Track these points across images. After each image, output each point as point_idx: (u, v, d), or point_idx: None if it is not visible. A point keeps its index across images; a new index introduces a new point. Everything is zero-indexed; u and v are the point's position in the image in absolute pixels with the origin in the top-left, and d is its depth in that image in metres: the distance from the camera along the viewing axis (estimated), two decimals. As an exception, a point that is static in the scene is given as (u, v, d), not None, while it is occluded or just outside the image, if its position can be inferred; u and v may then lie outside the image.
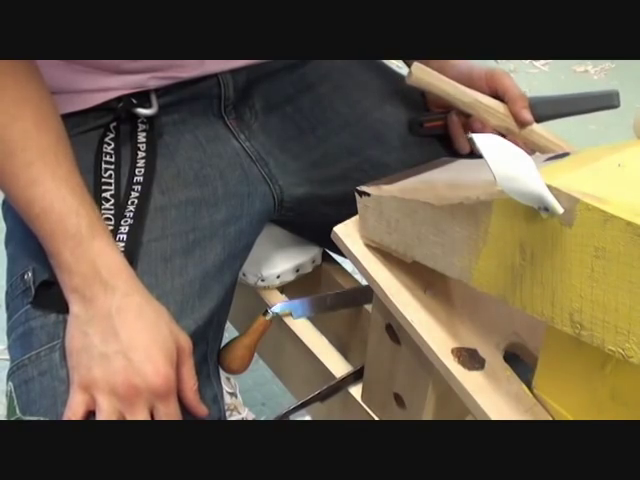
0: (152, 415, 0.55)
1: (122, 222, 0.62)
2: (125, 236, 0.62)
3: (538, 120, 0.74)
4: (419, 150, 0.79)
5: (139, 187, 0.65)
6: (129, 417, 0.54)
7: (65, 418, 0.54)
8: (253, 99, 0.75)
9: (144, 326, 0.55)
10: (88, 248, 0.56)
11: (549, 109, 0.75)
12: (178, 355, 0.57)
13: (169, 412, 0.55)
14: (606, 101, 0.75)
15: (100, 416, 0.54)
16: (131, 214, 0.63)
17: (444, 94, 0.75)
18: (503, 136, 0.73)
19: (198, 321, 0.62)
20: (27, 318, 0.59)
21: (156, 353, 0.54)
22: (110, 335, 0.55)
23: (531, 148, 0.74)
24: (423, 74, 0.75)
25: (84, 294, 0.56)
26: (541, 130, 0.74)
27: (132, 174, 0.65)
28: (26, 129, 0.57)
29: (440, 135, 0.80)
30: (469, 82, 0.76)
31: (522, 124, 0.73)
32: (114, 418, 0.54)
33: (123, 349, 0.54)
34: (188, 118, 0.72)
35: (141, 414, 0.54)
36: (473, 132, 0.76)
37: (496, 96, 0.75)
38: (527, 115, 0.73)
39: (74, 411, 0.54)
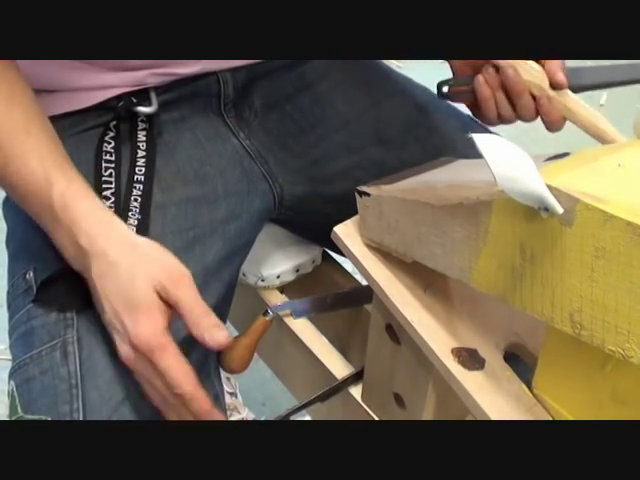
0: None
1: (130, 215, 0.62)
2: (134, 229, 0.62)
3: (574, 90, 0.70)
4: (419, 149, 0.79)
5: (140, 186, 0.65)
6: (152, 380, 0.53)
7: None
8: (252, 97, 0.75)
9: (117, 287, 0.54)
10: (64, 219, 0.55)
11: (585, 78, 0.71)
12: (170, 288, 0.54)
13: (164, 366, 0.52)
14: None
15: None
16: (137, 209, 0.63)
17: None
18: (534, 98, 0.71)
19: None
20: (29, 317, 0.60)
21: (134, 312, 0.52)
22: (101, 306, 0.55)
23: (561, 115, 0.72)
24: None
25: (82, 266, 0.55)
26: (574, 96, 0.70)
27: (132, 173, 0.65)
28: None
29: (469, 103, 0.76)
30: None
31: (556, 85, 0.69)
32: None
33: (111, 318, 0.54)
34: (188, 116, 0.72)
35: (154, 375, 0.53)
36: (507, 80, 0.72)
37: None
38: (562, 77, 0.69)
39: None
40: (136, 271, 0.54)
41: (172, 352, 0.52)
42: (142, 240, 0.57)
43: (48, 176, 0.55)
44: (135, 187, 0.64)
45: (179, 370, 0.52)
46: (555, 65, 0.69)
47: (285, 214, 0.77)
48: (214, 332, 0.53)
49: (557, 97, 0.70)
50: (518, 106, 0.69)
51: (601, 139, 0.69)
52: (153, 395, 0.54)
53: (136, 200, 0.64)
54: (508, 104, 0.69)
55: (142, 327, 0.52)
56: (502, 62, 0.70)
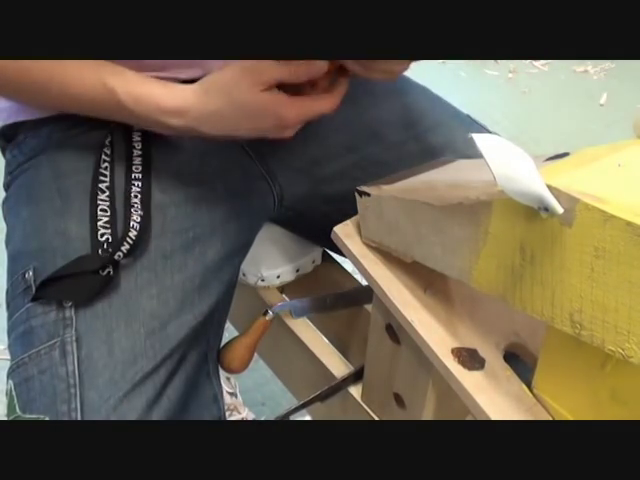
0: None
1: (132, 211, 0.63)
2: (138, 225, 0.62)
3: None
4: (418, 148, 0.78)
5: (139, 183, 0.65)
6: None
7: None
8: None
9: (241, 112, 0.59)
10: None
11: None
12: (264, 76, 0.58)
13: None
14: None
15: None
16: (138, 205, 0.63)
17: None
18: None
19: (198, 317, 0.63)
20: (28, 317, 0.60)
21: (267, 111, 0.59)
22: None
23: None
24: None
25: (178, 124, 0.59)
26: None
27: (129, 170, 0.65)
28: None
29: None
30: None
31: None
32: None
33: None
34: None
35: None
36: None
37: None
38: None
39: None
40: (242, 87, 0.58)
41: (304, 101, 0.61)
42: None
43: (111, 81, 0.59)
44: (134, 184, 0.64)
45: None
46: None
47: (285, 214, 0.77)
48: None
49: None
50: None
51: None
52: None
53: (136, 197, 0.64)
54: None
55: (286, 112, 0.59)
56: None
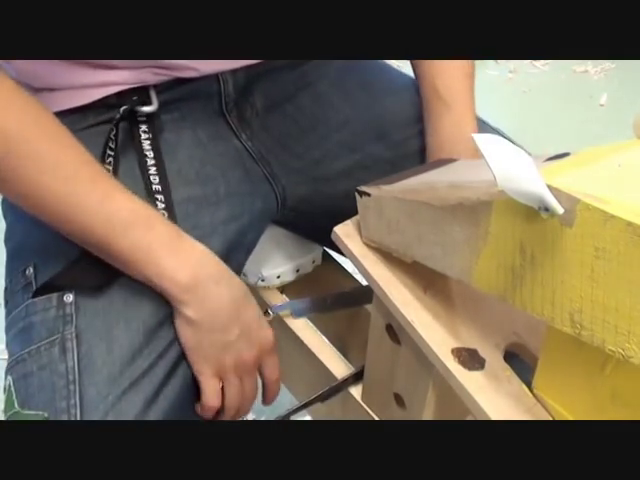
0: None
1: (158, 203, 0.64)
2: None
3: None
4: (420, 143, 0.78)
5: (156, 177, 0.65)
6: (247, 380, 0.64)
7: (208, 405, 0.61)
8: (254, 97, 0.75)
9: (255, 312, 0.64)
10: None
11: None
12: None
13: (275, 362, 0.67)
14: None
15: (231, 390, 0.62)
16: (163, 205, 0.64)
17: None
18: None
19: None
20: (27, 313, 0.60)
21: (259, 315, 0.64)
22: (228, 324, 0.60)
23: None
24: None
25: (195, 295, 0.58)
26: None
27: (144, 170, 0.65)
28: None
29: None
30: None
31: None
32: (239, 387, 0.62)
33: (242, 330, 0.61)
34: (188, 115, 0.71)
35: (255, 374, 0.64)
36: None
37: None
38: None
39: (215, 399, 0.61)
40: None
41: None
42: None
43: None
44: (153, 181, 0.65)
45: None
46: None
47: (287, 215, 0.77)
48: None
49: None
50: None
51: None
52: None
53: (158, 192, 0.65)
54: None
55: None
56: None
